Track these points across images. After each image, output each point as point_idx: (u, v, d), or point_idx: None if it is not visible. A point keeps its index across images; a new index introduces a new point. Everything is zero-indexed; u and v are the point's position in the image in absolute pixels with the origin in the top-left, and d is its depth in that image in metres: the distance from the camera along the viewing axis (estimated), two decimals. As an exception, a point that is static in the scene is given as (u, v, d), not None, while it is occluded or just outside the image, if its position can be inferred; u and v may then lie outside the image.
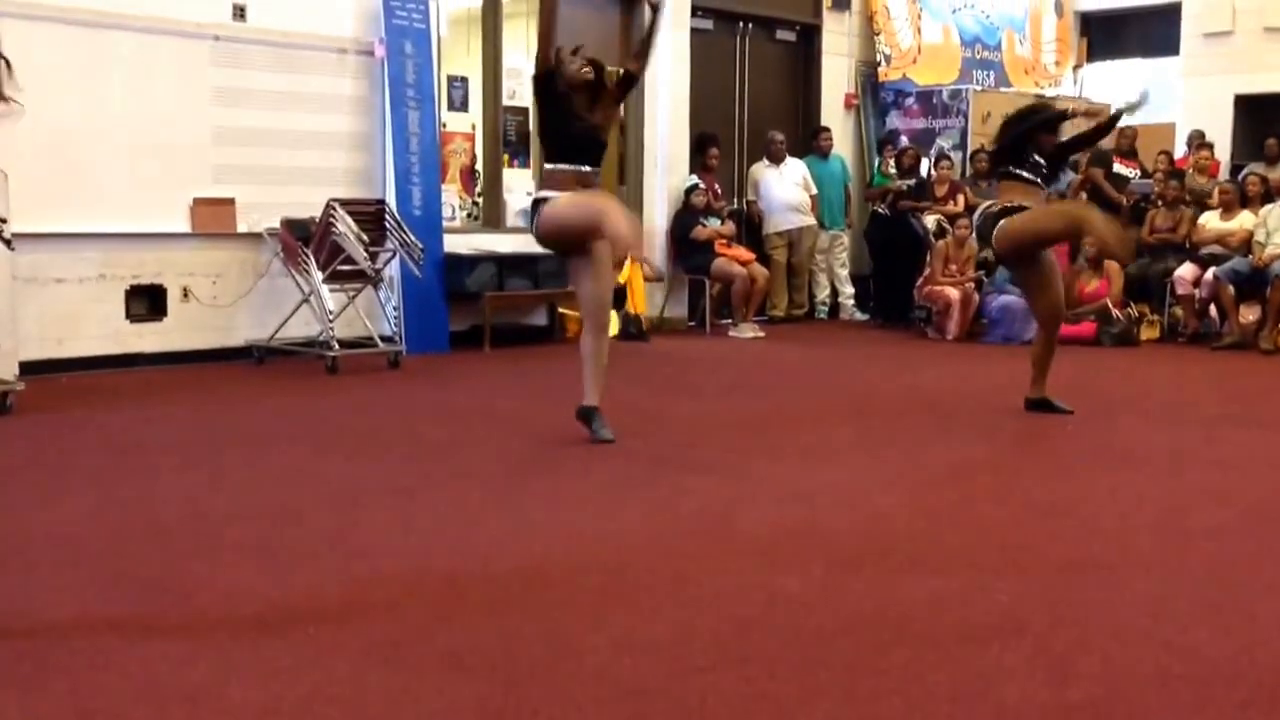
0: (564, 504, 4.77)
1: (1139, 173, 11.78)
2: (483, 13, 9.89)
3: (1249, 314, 9.93)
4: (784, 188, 11.43)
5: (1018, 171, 6.54)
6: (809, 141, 11.97)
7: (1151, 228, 10.85)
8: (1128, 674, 3.07)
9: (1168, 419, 6.66)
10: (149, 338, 8.21)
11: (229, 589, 3.67)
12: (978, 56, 13.49)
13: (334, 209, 8.01)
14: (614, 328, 7.16)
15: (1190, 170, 11.40)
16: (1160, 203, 10.93)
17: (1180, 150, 12.50)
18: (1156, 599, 3.66)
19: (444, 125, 9.61)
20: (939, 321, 10.54)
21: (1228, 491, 5.12)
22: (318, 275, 8.07)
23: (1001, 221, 6.42)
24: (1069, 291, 8.88)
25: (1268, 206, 10.18)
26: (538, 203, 5.67)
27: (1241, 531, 4.48)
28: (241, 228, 8.46)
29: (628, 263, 10.12)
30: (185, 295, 8.31)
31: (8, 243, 6.58)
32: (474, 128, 10.07)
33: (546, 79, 5.56)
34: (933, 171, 11.47)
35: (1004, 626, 3.39)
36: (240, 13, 8.42)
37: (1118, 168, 11.66)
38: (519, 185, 10.05)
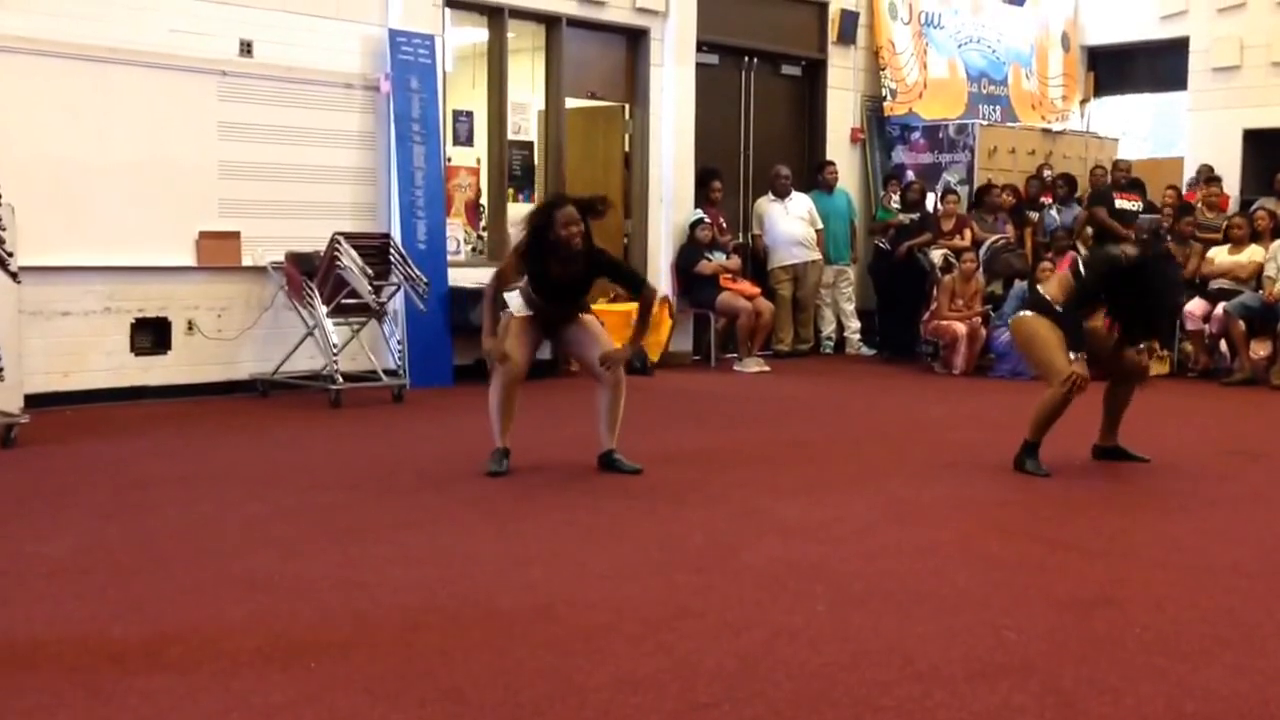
0: (567, 538, 4.74)
1: (1141, 205, 11.76)
2: (488, 48, 9.93)
3: (1260, 349, 9.86)
4: (789, 222, 11.42)
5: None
6: (814, 176, 11.97)
7: (1160, 262, 10.82)
8: (1139, 713, 3.02)
9: (1177, 455, 6.62)
10: (154, 371, 8.21)
11: (231, 622, 3.64)
12: (984, 91, 13.51)
13: (339, 243, 8.01)
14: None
15: (1199, 205, 11.39)
16: (1169, 238, 10.90)
17: (1188, 185, 12.49)
18: (1167, 637, 3.61)
19: (449, 159, 9.63)
20: (946, 356, 10.51)
21: (1239, 528, 5.07)
22: (322, 309, 8.07)
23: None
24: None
25: (1278, 241, 10.15)
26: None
27: (1253, 569, 4.42)
28: (246, 261, 8.47)
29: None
30: (190, 328, 8.31)
31: (14, 275, 6.59)
32: (479, 162, 10.10)
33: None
34: (939, 206, 11.47)
35: (1012, 664, 3.35)
36: (247, 48, 8.46)
37: (1120, 203, 11.64)
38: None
